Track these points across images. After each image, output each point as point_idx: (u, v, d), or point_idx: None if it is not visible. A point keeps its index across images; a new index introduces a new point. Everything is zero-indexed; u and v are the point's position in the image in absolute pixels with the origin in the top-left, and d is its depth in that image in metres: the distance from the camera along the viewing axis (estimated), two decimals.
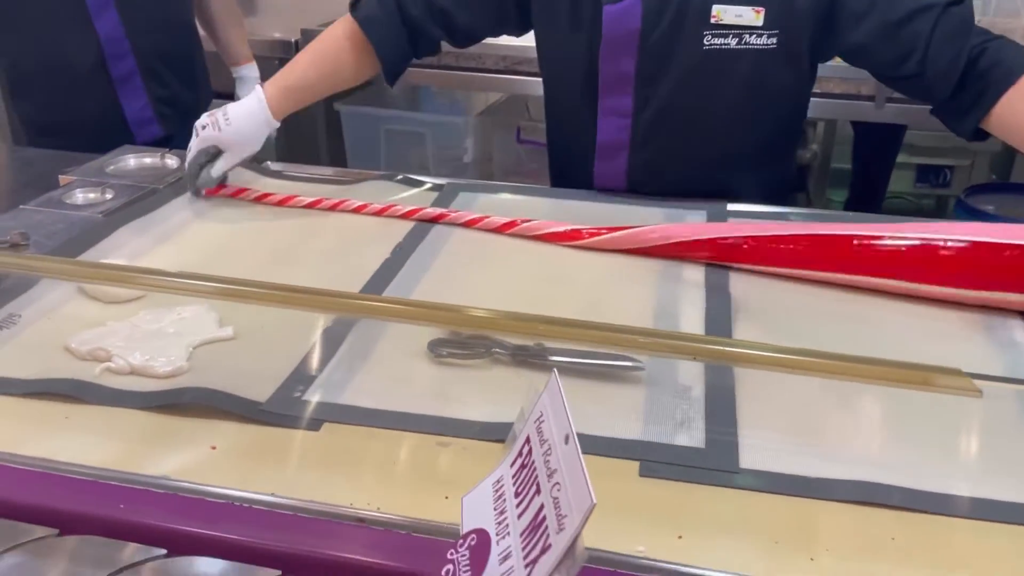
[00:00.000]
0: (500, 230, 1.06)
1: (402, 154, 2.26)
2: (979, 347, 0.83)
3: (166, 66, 1.62)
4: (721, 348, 0.68)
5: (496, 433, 0.69)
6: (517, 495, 0.43)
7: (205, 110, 1.76)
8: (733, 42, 1.05)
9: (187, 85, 1.68)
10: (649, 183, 1.17)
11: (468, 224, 1.07)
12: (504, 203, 1.16)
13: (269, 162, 1.35)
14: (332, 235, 1.07)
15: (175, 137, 1.64)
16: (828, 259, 0.93)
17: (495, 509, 0.45)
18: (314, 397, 0.74)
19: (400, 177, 1.23)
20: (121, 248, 1.00)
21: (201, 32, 1.76)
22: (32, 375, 0.76)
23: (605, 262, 1.00)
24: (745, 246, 0.96)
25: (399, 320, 0.76)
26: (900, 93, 1.17)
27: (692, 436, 0.69)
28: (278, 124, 1.17)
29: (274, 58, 2.22)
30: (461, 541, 0.45)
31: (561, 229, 1.04)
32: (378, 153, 2.26)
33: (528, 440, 0.44)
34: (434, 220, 1.09)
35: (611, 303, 0.91)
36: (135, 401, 0.73)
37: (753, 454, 0.67)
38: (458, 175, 1.25)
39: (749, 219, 1.09)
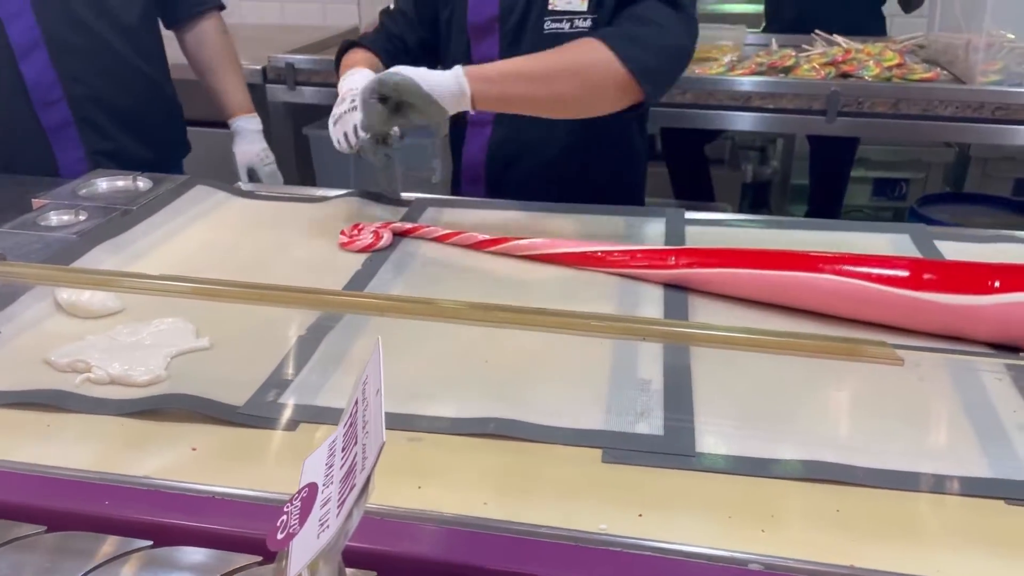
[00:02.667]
0: (477, 247, 1.09)
1: (371, 176, 2.29)
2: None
3: (108, 117, 1.45)
4: (669, 329, 0.72)
5: (464, 428, 0.72)
6: (343, 449, 0.47)
7: (173, 169, 1.52)
8: (566, 26, 1.22)
9: (138, 139, 1.49)
10: (507, 158, 1.32)
11: (439, 240, 1.11)
12: (470, 217, 1.20)
13: (240, 183, 1.39)
14: (303, 250, 1.10)
15: None
16: (776, 293, 0.92)
17: (326, 464, 0.48)
18: (290, 399, 0.77)
19: (368, 194, 1.27)
20: (96, 267, 1.02)
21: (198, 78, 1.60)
22: (12, 387, 0.78)
23: (568, 271, 1.04)
24: (698, 279, 0.96)
25: (370, 313, 0.79)
26: None
27: (652, 424, 0.73)
28: (468, 91, 1.07)
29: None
30: (295, 495, 0.48)
31: (525, 243, 1.07)
32: (347, 175, 2.30)
33: (356, 401, 0.48)
34: (406, 233, 1.13)
35: (574, 308, 0.94)
36: (115, 408, 0.75)
37: (708, 439, 0.71)
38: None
39: (705, 226, 1.14)
